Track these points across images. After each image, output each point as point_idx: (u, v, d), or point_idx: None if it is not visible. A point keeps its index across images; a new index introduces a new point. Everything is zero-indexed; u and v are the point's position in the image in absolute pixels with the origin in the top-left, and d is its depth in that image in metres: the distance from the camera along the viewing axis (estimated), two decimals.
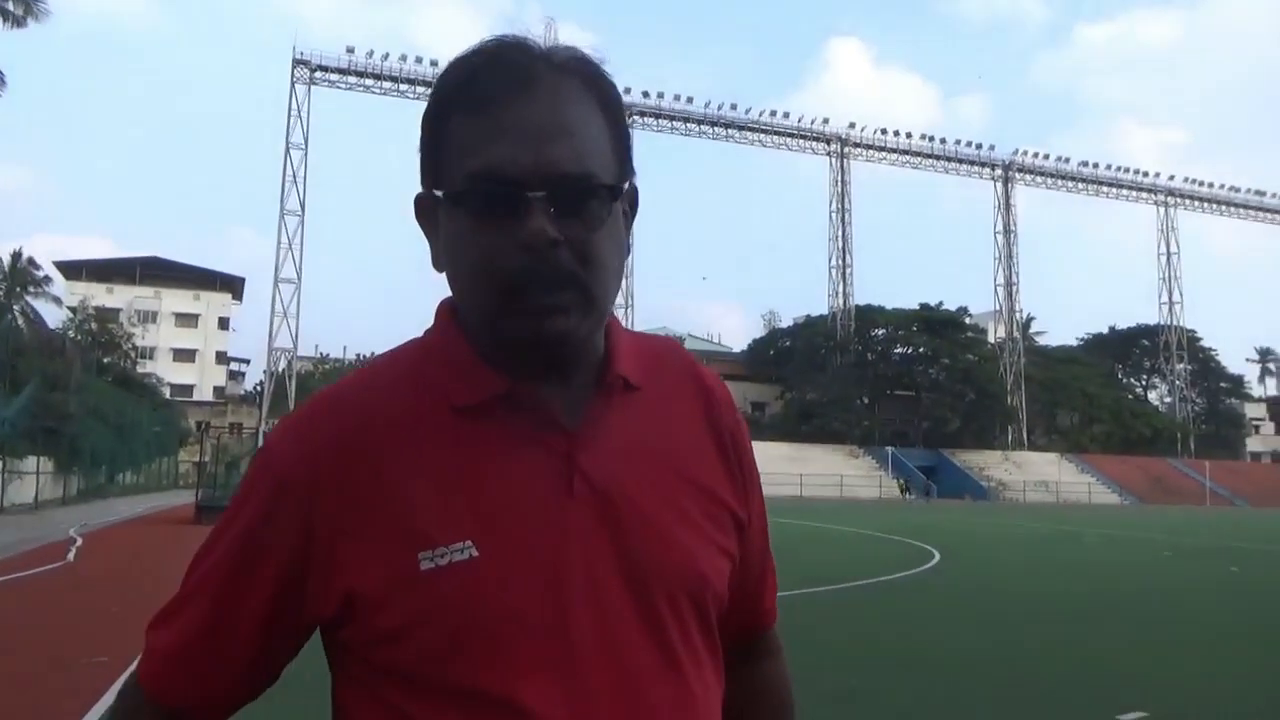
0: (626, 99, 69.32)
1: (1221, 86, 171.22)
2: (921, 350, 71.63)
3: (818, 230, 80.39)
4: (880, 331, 73.21)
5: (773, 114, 69.90)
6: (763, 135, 70.49)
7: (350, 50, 60.85)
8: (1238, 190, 79.06)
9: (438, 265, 0.87)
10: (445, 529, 0.79)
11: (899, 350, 73.04)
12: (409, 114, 57.87)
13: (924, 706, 6.06)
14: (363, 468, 0.81)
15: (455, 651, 0.78)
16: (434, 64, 59.54)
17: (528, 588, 0.79)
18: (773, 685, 1.06)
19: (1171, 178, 77.96)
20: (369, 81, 61.77)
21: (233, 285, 79.05)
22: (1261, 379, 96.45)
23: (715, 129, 69.10)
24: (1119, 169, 77.17)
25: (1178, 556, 18.37)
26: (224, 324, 77.89)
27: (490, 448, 0.83)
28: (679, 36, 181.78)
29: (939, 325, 71.21)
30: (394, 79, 61.37)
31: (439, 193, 0.83)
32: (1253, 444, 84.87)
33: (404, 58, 61.30)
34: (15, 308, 38.52)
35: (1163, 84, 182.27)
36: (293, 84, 60.21)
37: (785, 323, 79.85)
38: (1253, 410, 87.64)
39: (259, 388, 66.12)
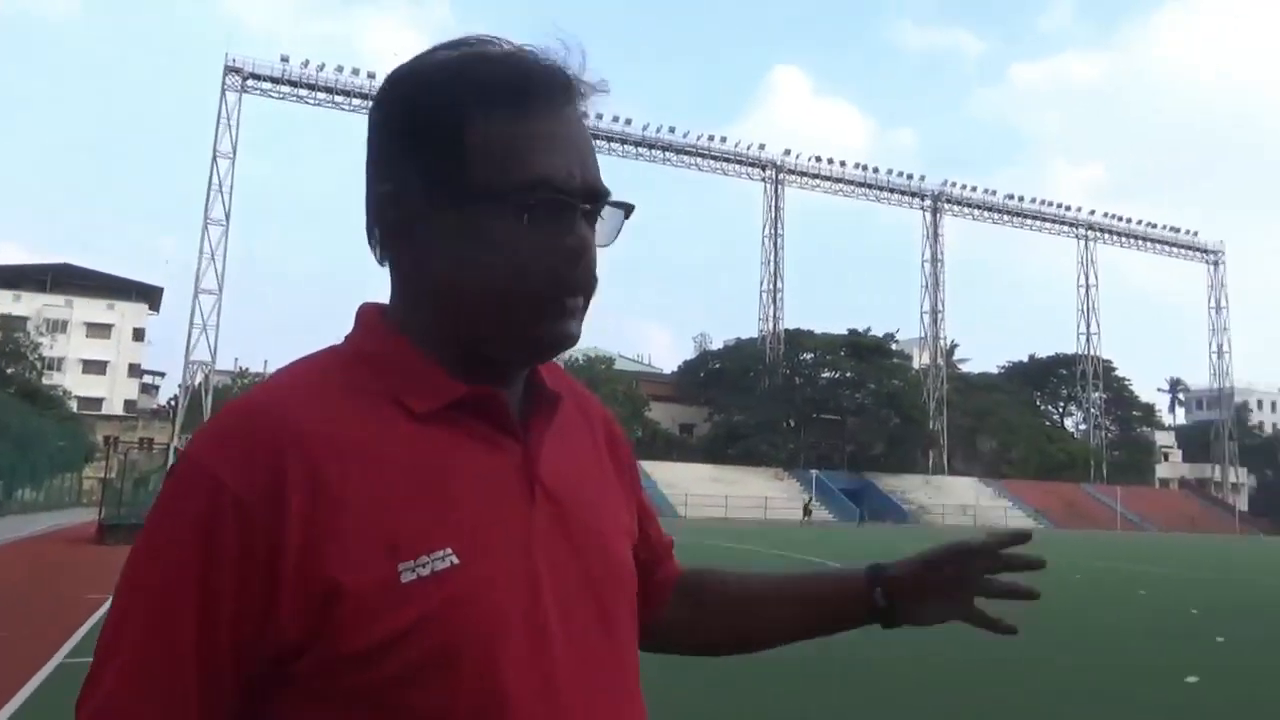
0: None
1: (1142, 127, 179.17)
2: (848, 375, 72.92)
3: (751, 254, 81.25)
4: (809, 355, 74.35)
5: (710, 139, 70.77)
6: (699, 159, 71.23)
7: (285, 59, 59.98)
8: (1154, 226, 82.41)
9: (420, 265, 0.84)
10: (423, 538, 0.76)
11: (826, 374, 74.26)
12: (343, 126, 57.11)
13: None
14: (326, 475, 0.76)
15: (441, 663, 0.75)
16: (371, 76, 58.95)
17: (512, 593, 0.79)
18: (704, 584, 1.11)
19: (1092, 213, 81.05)
20: (303, 92, 60.79)
21: (150, 295, 76.45)
22: (1171, 408, 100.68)
23: (653, 151, 69.63)
24: (1043, 202, 79.96)
25: (1087, 577, 18.84)
26: (139, 335, 75.17)
27: (455, 453, 0.81)
28: (624, 59, 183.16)
29: (866, 350, 72.61)
30: (329, 90, 60.55)
31: (481, 192, 0.80)
32: (1162, 471, 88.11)
33: (340, 69, 60.61)
34: None
35: (1088, 122, 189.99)
36: (223, 91, 58.93)
37: (716, 345, 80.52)
38: (1163, 438, 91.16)
39: (173, 402, 64.03)
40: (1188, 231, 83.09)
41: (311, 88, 60.55)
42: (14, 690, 6.07)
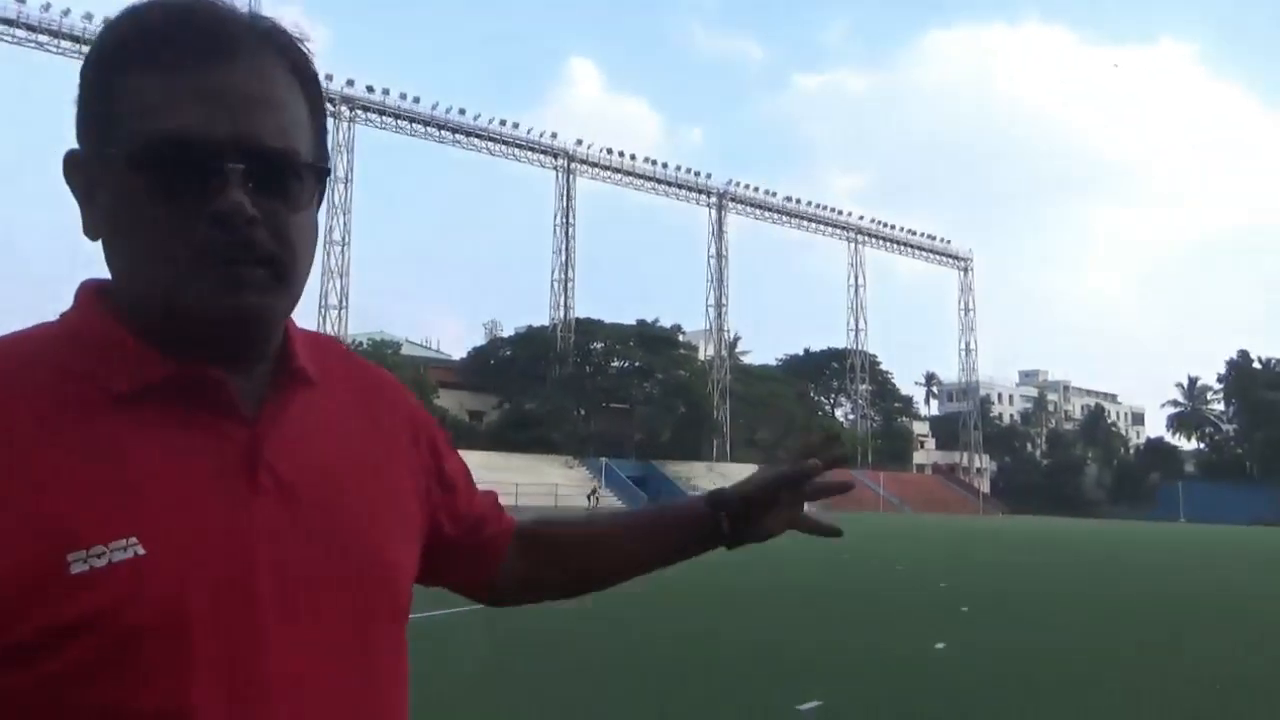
0: (346, 89, 64.58)
1: (905, 140, 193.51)
2: (638, 365, 74.15)
3: (543, 242, 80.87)
4: (599, 345, 74.95)
5: (502, 123, 69.67)
6: (490, 144, 69.97)
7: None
8: (914, 233, 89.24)
9: (93, 234, 0.78)
10: (102, 526, 0.69)
11: (616, 364, 75.17)
12: (60, 72, 50.72)
13: (602, 701, 5.83)
14: None
15: (120, 661, 0.68)
16: (89, 18, 52.31)
17: (205, 586, 0.72)
18: (543, 532, 1.12)
19: (861, 218, 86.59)
20: (43, 38, 54.30)
21: None
22: (927, 400, 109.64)
23: (442, 132, 67.65)
24: (819, 206, 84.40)
25: (854, 557, 19.94)
26: None
27: (157, 438, 0.75)
28: (417, 37, 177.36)
29: (654, 341, 74.08)
30: (52, 33, 53.96)
31: (110, 151, 0.74)
32: (918, 457, 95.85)
33: (68, 12, 54.07)
34: None
35: (858, 133, 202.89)
36: None
37: (507, 332, 79.73)
38: (919, 428, 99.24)
39: None
40: (942, 239, 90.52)
41: (54, 34, 54.15)
42: None
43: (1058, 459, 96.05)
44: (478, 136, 69.15)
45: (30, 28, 53.60)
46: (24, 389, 0.73)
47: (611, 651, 7.95)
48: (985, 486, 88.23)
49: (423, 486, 0.93)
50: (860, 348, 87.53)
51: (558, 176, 73.49)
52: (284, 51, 0.79)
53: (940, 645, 8.50)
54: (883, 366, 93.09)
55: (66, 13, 53.69)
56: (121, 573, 0.69)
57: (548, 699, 6.13)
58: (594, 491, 55.96)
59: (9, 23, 53.11)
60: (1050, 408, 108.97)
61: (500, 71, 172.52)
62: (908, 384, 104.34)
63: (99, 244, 0.78)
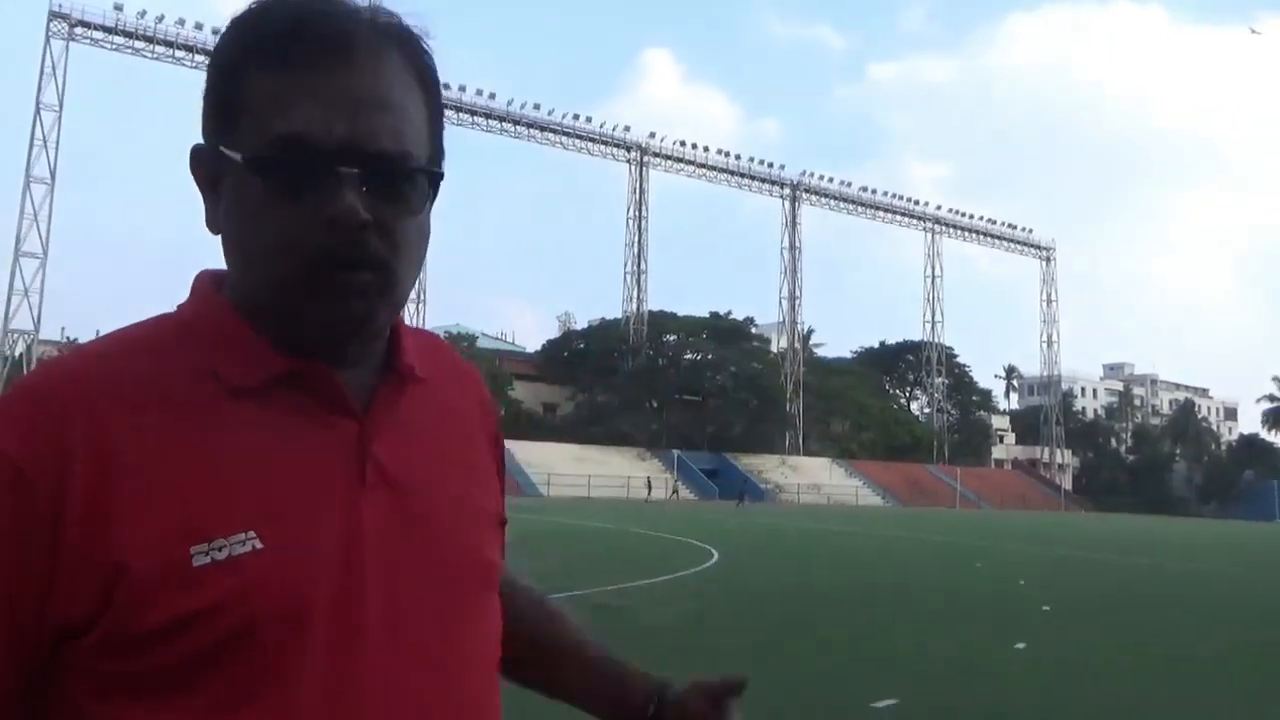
0: None
1: (987, 128, 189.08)
2: (710, 357, 74.02)
3: (616, 235, 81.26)
4: (671, 337, 75.06)
5: (575, 118, 70.18)
6: (564, 138, 70.55)
7: (119, 7, 55.48)
8: (994, 223, 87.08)
9: (214, 227, 0.79)
10: (223, 520, 0.71)
11: (689, 356, 75.15)
12: (183, 82, 53.44)
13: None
14: (119, 449, 0.71)
15: (229, 654, 0.70)
16: (215, 32, 55.32)
17: (318, 581, 0.73)
18: (520, 598, 1.04)
19: (939, 207, 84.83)
20: (140, 44, 56.59)
21: None
22: (1007, 394, 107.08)
23: (517, 128, 68.43)
24: (894, 195, 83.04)
25: (931, 553, 19.69)
26: None
27: (273, 432, 0.76)
28: (494, 34, 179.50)
29: (727, 334, 73.91)
30: (169, 44, 56.55)
31: (234, 153, 0.75)
32: (997, 452, 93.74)
33: (181, 22, 56.69)
34: None
35: (937, 121, 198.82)
36: (48, 38, 54.20)
37: (580, 325, 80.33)
38: (998, 422, 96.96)
39: None
40: (1023, 229, 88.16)
41: (150, 40, 56.47)
42: None
43: (1144, 455, 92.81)
44: (552, 131, 69.77)
45: (127, 34, 55.96)
46: (150, 383, 0.74)
47: (692, 635, 8.05)
48: (1067, 483, 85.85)
49: (496, 486, 0.95)
50: (937, 340, 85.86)
51: (631, 169, 73.79)
52: (403, 50, 0.78)
53: (1021, 645, 8.38)
54: (960, 359, 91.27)
55: (160, 19, 55.94)
56: (241, 566, 0.71)
57: None
58: (675, 488, 55.94)
59: (107, 30, 55.53)
60: (1136, 402, 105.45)
61: (575, 66, 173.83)
62: (986, 377, 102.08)
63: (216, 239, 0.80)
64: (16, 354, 52.76)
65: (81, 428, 0.70)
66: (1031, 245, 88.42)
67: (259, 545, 0.71)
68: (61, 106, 54.07)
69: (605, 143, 72.05)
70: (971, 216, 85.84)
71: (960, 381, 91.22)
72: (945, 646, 8.27)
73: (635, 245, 74.25)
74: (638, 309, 73.12)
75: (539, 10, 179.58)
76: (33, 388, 0.74)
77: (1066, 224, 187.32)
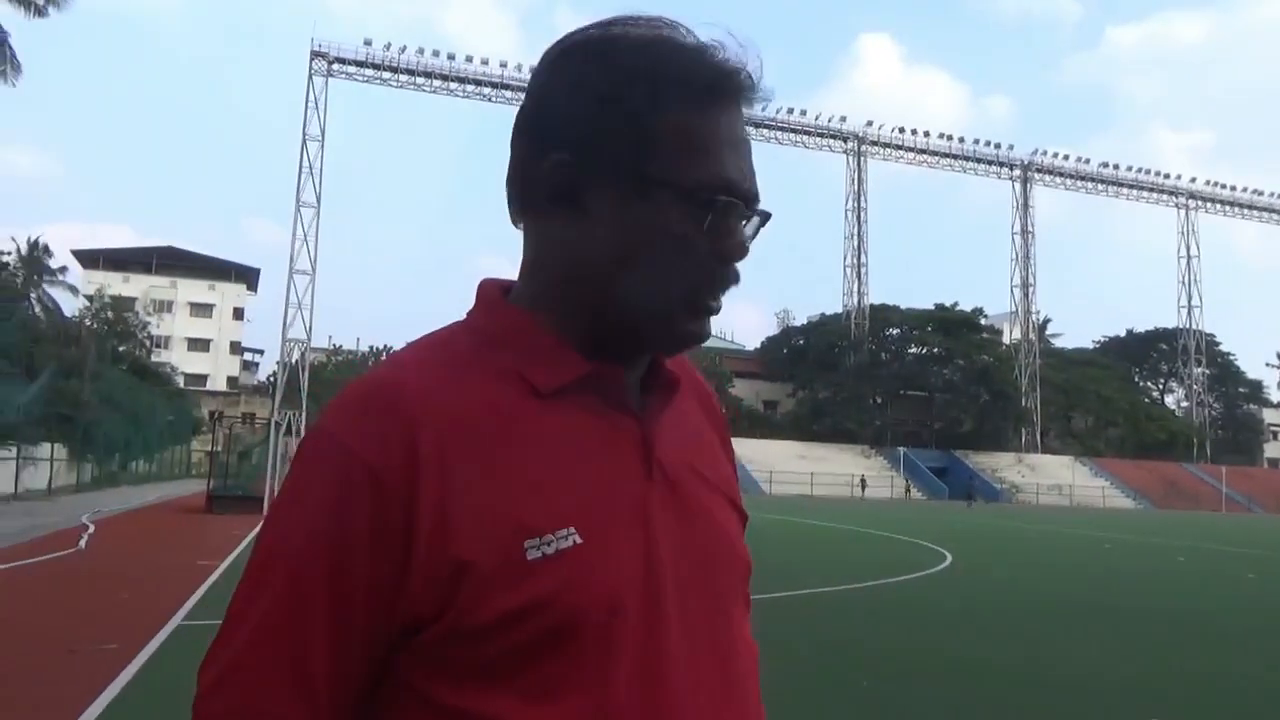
0: None
1: (1249, 89, 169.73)
2: (936, 350, 71.32)
3: (834, 228, 79.92)
4: (895, 331, 72.93)
5: (789, 111, 69.62)
6: (779, 132, 70.18)
7: (368, 43, 60.89)
8: (1260, 194, 78.16)
9: (577, 238, 0.82)
10: (548, 515, 0.76)
11: (913, 350, 72.77)
12: (426, 108, 57.58)
13: (934, 710, 5.98)
14: (456, 452, 0.76)
15: (556, 643, 0.74)
16: (451, 58, 59.86)
17: (629, 574, 0.78)
18: None
19: (1193, 180, 77.03)
20: (387, 75, 61.87)
21: (247, 276, 79.48)
22: None
23: None
24: (1140, 170, 76.27)
25: (1192, 562, 18.17)
26: (239, 314, 78.36)
27: (576, 431, 0.81)
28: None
29: (954, 326, 70.87)
30: (412, 72, 61.50)
31: (666, 182, 0.80)
32: (1271, 450, 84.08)
33: (421, 51, 61.44)
34: (32, 295, 38.76)
35: (1190, 86, 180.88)
36: (310, 76, 60.31)
37: (799, 321, 79.72)
38: (1271, 416, 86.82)
39: (272, 378, 66.33)
40: None
41: (395, 70, 61.57)
42: (137, 650, 6.44)
43: None
44: (766, 127, 69.60)
45: (375, 66, 61.37)
46: (472, 391, 0.79)
47: (928, 665, 8.01)
48: None
49: (736, 484, 0.98)
50: (1194, 326, 78.15)
51: (848, 160, 72.29)
52: (755, 102, 0.85)
53: None
54: (1223, 347, 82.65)
55: (404, 49, 60.91)
56: (566, 560, 0.75)
57: (863, 706, 6.37)
58: (907, 488, 54.40)
59: (359, 64, 61.15)
60: None
61: (787, 59, 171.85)
62: (1256, 366, 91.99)
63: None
64: (292, 360, 59.13)
65: (425, 436, 0.75)
66: None
67: (578, 540, 0.76)
68: (324, 136, 60.06)
69: (821, 134, 71.02)
70: (1233, 189, 77.47)
71: (1224, 372, 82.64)
72: (1208, 673, 7.69)
73: (855, 238, 72.72)
74: (858, 303, 71.57)
75: (748, 4, 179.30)
76: (376, 395, 0.78)
77: None
